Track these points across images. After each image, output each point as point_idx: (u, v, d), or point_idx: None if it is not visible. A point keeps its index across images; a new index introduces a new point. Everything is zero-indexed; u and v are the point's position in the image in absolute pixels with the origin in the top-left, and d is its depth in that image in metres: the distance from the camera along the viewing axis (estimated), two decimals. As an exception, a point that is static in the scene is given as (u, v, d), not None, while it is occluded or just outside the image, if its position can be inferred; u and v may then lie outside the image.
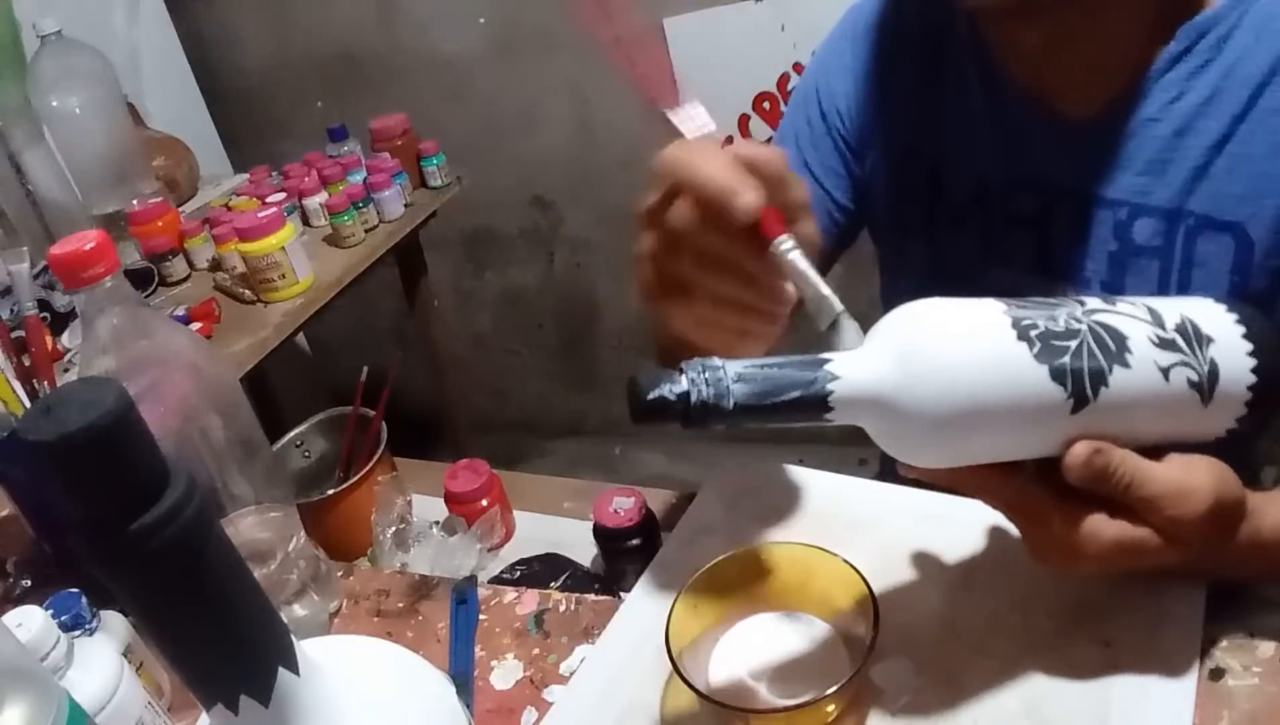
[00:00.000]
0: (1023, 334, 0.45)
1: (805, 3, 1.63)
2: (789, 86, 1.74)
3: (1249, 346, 0.49)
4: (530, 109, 1.95)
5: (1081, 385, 0.44)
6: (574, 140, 1.96)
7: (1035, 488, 0.47)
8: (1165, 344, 0.47)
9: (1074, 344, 0.45)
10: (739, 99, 1.78)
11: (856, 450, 1.94)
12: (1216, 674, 0.51)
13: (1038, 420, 0.45)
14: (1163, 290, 0.64)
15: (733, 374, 0.42)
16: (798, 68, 1.72)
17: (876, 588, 0.52)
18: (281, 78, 2.11)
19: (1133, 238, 0.64)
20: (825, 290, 0.48)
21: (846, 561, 0.53)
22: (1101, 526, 0.46)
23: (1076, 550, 0.46)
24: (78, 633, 0.58)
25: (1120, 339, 0.46)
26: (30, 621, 0.54)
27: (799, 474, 0.69)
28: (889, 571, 0.60)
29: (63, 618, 0.58)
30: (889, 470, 1.00)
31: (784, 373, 0.43)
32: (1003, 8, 0.60)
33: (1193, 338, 0.48)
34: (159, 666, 0.64)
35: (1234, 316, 0.50)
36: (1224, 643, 0.53)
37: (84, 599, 0.60)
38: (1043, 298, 0.48)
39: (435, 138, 1.62)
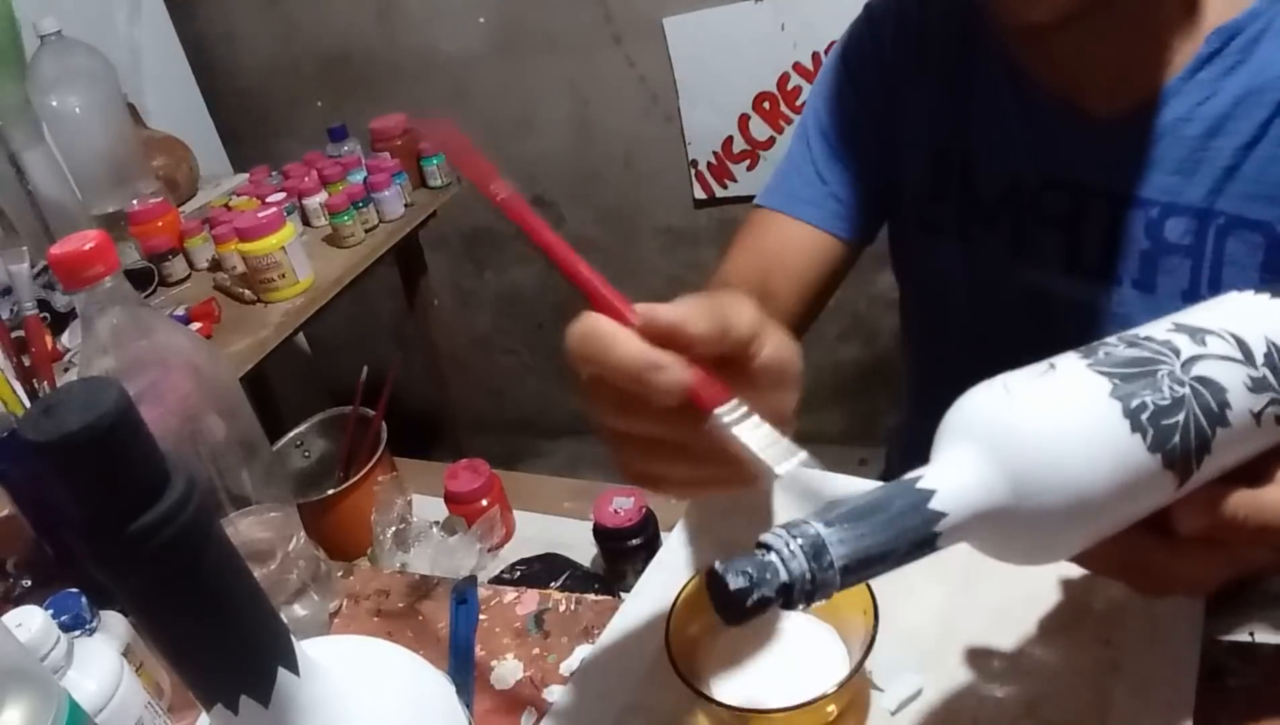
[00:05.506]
0: (1136, 423, 0.40)
1: (805, 3, 1.63)
2: (789, 86, 1.74)
3: None
4: (530, 109, 1.95)
5: (1189, 464, 0.41)
6: (574, 140, 1.96)
7: (1144, 540, 0.42)
8: (1258, 386, 0.43)
9: (1181, 418, 0.41)
10: (739, 99, 1.78)
11: (857, 450, 1.94)
12: (1216, 674, 0.51)
13: (1147, 501, 0.41)
14: (1194, 288, 0.64)
15: (829, 537, 0.37)
16: (798, 67, 1.72)
17: (876, 588, 0.52)
18: (281, 78, 2.11)
19: (1164, 236, 0.65)
20: (765, 458, 0.44)
21: (846, 561, 0.53)
22: (1261, 496, 0.41)
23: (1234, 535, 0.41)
24: (78, 633, 0.58)
25: (1220, 394, 0.42)
26: (30, 621, 0.54)
27: (799, 474, 0.69)
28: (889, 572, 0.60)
29: (63, 618, 0.58)
30: (890, 471, 1.00)
31: (882, 516, 0.38)
32: (1045, 23, 0.59)
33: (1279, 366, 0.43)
34: (159, 666, 0.64)
35: None
36: (1224, 643, 0.53)
37: (84, 599, 0.60)
38: (1131, 345, 0.43)
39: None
